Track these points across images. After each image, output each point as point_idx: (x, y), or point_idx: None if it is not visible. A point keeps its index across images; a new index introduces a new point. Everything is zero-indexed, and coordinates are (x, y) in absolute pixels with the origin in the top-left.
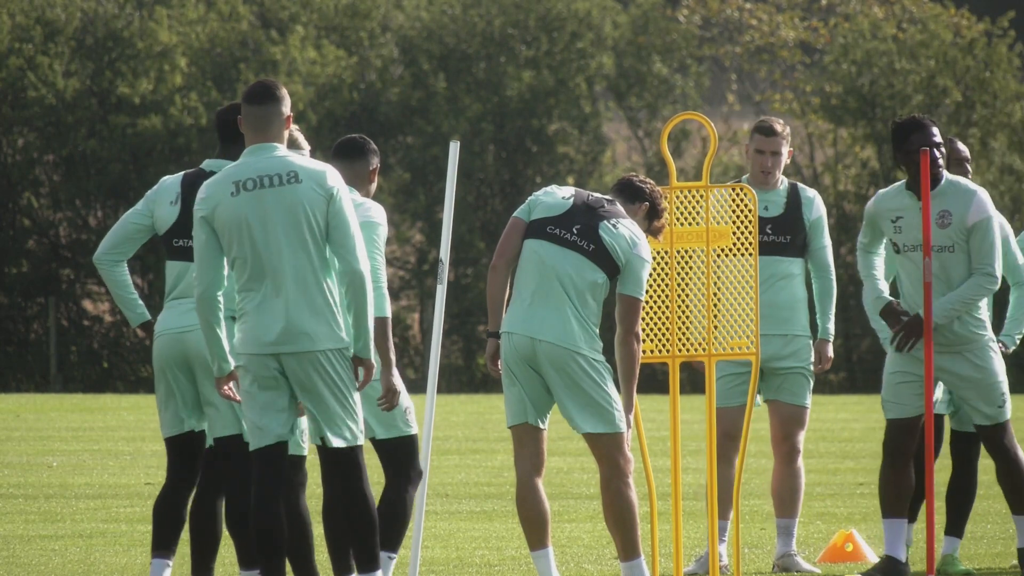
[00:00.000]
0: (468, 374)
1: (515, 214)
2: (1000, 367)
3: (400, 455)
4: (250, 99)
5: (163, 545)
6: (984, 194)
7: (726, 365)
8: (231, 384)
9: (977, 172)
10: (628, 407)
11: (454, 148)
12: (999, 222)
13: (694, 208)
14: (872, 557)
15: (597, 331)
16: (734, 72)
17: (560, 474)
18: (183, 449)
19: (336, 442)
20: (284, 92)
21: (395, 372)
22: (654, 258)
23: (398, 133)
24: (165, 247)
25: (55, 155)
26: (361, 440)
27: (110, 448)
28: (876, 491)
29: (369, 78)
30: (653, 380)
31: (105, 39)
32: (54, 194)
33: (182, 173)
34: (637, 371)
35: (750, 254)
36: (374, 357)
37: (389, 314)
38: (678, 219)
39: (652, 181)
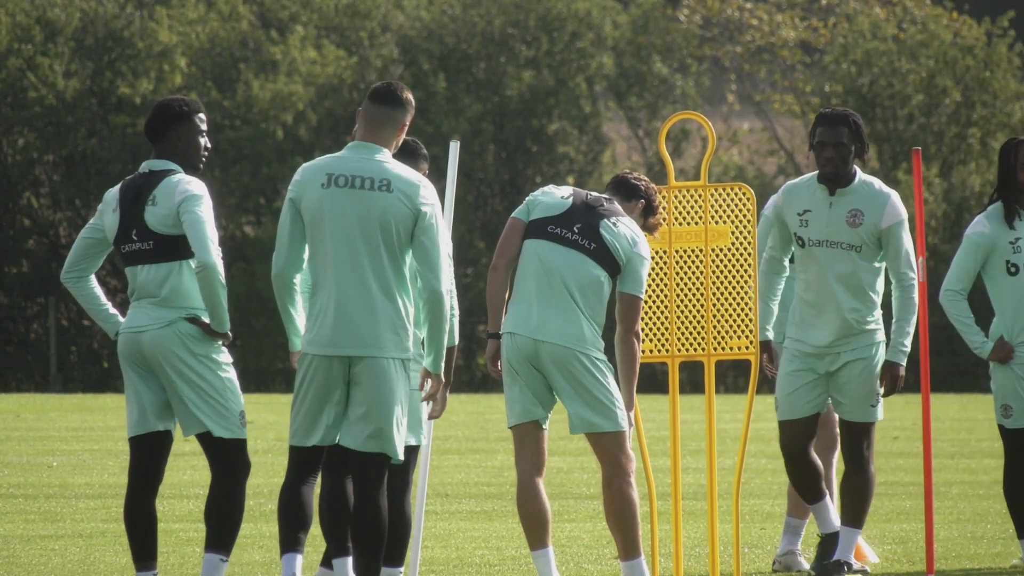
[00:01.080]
0: (468, 374)
1: (513, 215)
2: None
3: (402, 465)
4: (373, 97)
5: (145, 556)
6: (896, 197)
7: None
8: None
9: (977, 172)
10: (629, 405)
11: (454, 148)
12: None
13: (693, 208)
14: (872, 557)
15: (599, 330)
16: (734, 72)
17: (560, 474)
18: (144, 450)
19: (388, 449)
20: (408, 99)
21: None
22: (653, 258)
23: None
24: (118, 255)
25: (55, 155)
26: (401, 455)
27: (110, 448)
28: (875, 491)
29: (369, 78)
30: (653, 380)
31: (105, 39)
32: (54, 194)
33: (123, 181)
34: (637, 369)
35: (749, 254)
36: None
37: (456, 341)
38: (676, 219)
39: (647, 178)
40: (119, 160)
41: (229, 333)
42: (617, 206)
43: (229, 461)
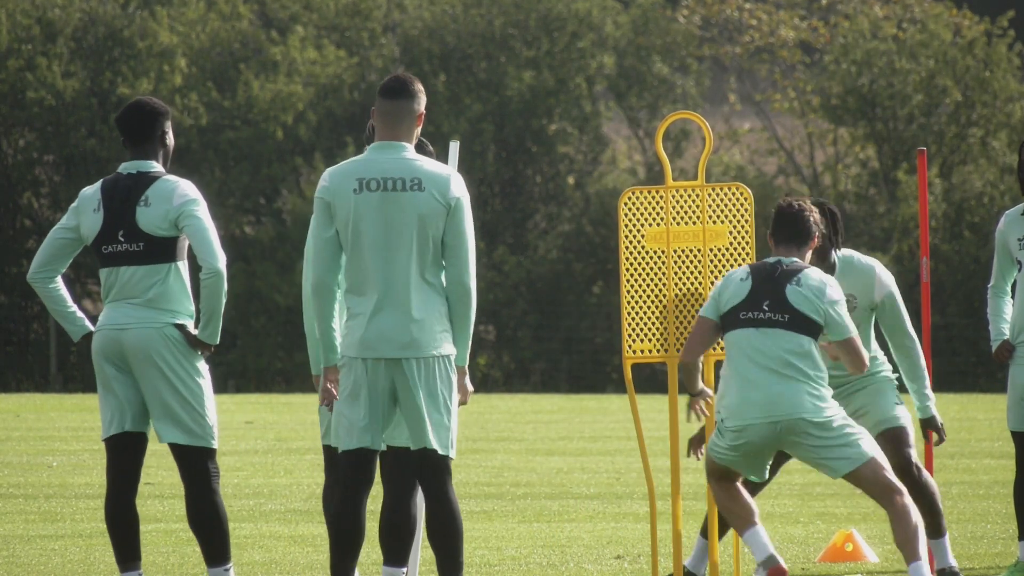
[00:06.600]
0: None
1: (701, 313)
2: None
3: (403, 464)
4: (384, 93)
5: (130, 557)
6: (880, 267)
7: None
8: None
9: (977, 172)
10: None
11: (454, 148)
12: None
13: (690, 208)
14: (872, 557)
15: (822, 380)
16: (734, 72)
17: (560, 474)
18: (123, 451)
19: (437, 447)
20: (418, 88)
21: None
22: (651, 257)
23: None
24: (96, 255)
25: (55, 155)
26: (453, 451)
27: None
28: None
29: (369, 78)
30: (653, 380)
31: (105, 39)
32: (54, 194)
33: (100, 181)
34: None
35: (747, 253)
36: None
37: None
38: (674, 219)
39: (805, 203)
40: (119, 160)
41: (213, 346)
42: (794, 261)
43: (203, 470)
